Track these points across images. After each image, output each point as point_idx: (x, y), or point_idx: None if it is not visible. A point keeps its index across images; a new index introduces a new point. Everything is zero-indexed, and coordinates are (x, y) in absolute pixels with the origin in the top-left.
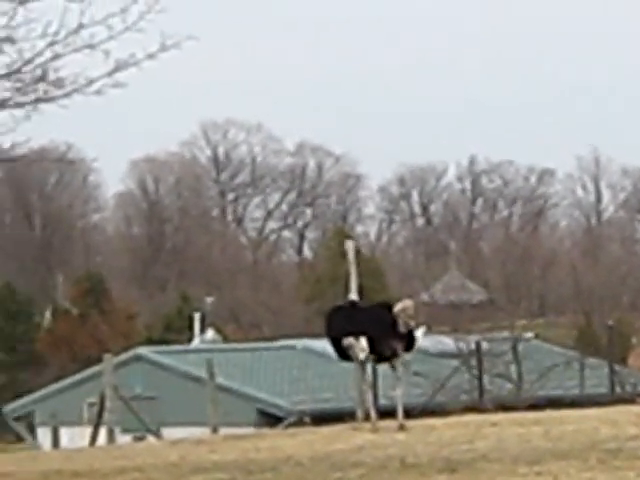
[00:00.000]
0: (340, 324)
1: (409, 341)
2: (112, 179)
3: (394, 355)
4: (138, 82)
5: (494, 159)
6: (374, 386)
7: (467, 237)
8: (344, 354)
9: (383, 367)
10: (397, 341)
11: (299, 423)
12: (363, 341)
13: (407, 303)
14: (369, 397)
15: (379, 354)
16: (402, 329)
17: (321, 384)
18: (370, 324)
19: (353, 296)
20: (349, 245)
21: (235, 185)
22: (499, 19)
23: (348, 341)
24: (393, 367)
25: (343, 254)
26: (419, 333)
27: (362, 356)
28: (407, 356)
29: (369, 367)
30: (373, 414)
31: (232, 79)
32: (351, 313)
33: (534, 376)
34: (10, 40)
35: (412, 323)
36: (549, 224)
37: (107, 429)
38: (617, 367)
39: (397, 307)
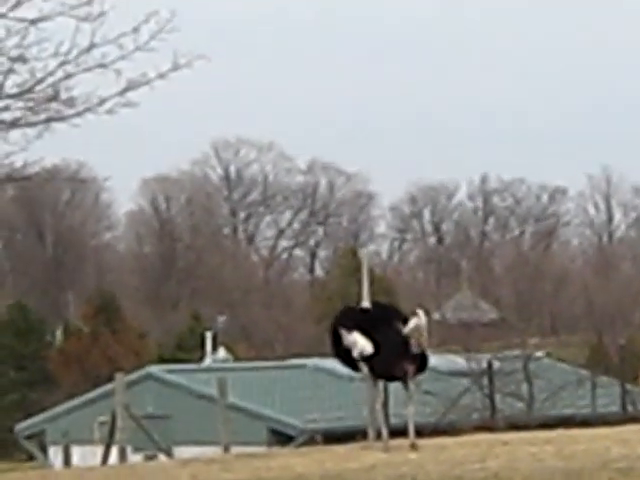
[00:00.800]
0: (346, 321)
1: (422, 362)
2: (124, 197)
3: (405, 376)
4: (150, 101)
5: (506, 178)
6: (385, 404)
7: (479, 256)
8: (349, 361)
9: (394, 385)
10: (409, 362)
11: (310, 442)
12: (362, 341)
13: (419, 322)
14: (381, 416)
15: (389, 375)
16: (415, 350)
17: (332, 403)
18: (381, 334)
19: (366, 304)
20: (363, 253)
21: (247, 204)
22: (510, 41)
23: (348, 339)
24: (405, 386)
25: (355, 272)
26: (420, 320)
27: (356, 353)
28: (419, 377)
29: (381, 385)
30: (385, 433)
31: (243, 98)
32: (362, 316)
33: (545, 395)
34: (22, 59)
35: (424, 343)
36: (561, 242)
37: (119, 448)
38: (629, 386)
39: (408, 327)
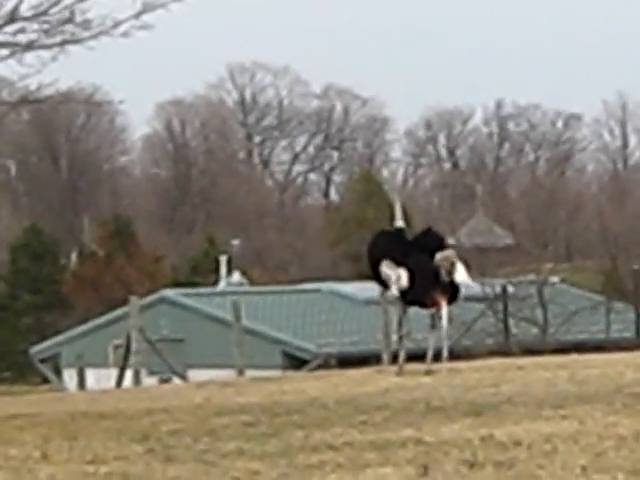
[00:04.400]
0: (383, 249)
1: (454, 292)
2: (139, 121)
3: (435, 307)
4: (166, 24)
5: (521, 103)
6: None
7: (493, 181)
8: (385, 284)
9: (413, 309)
10: (439, 292)
11: (325, 366)
12: (403, 275)
13: (449, 253)
14: (405, 343)
15: (419, 302)
16: (445, 278)
17: (347, 327)
18: (415, 259)
19: (399, 223)
20: (391, 170)
21: (262, 128)
22: None
23: (387, 270)
24: (434, 315)
25: (370, 196)
26: (462, 275)
27: (394, 291)
28: (451, 309)
29: (409, 311)
30: (401, 357)
31: (259, 22)
32: (397, 241)
33: (560, 320)
34: None
35: (454, 273)
36: (575, 169)
37: (133, 371)
38: None
39: (438, 257)
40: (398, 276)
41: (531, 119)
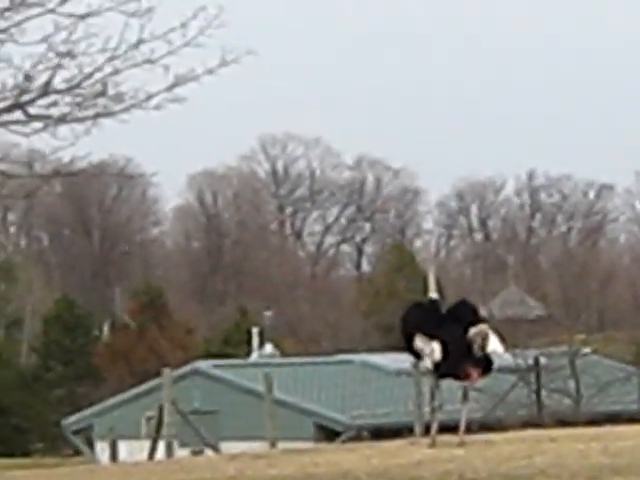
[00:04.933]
0: (416, 322)
1: (487, 364)
2: (171, 193)
3: (468, 379)
4: (198, 96)
5: (553, 174)
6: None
7: (525, 252)
8: (418, 355)
9: (446, 381)
10: (472, 365)
11: (357, 438)
12: (436, 347)
13: (482, 327)
14: (436, 413)
15: (452, 375)
16: (478, 354)
17: (379, 399)
18: (448, 332)
19: (433, 295)
20: (425, 243)
21: (293, 199)
22: (558, 35)
23: (421, 344)
24: (465, 387)
25: (402, 267)
26: (495, 344)
27: (429, 364)
28: (482, 380)
29: (441, 383)
30: (433, 428)
31: (291, 93)
32: (431, 313)
33: (593, 391)
34: (70, 55)
35: (488, 347)
36: (608, 239)
37: (166, 443)
38: None
39: (472, 332)
40: (431, 350)
41: (563, 189)
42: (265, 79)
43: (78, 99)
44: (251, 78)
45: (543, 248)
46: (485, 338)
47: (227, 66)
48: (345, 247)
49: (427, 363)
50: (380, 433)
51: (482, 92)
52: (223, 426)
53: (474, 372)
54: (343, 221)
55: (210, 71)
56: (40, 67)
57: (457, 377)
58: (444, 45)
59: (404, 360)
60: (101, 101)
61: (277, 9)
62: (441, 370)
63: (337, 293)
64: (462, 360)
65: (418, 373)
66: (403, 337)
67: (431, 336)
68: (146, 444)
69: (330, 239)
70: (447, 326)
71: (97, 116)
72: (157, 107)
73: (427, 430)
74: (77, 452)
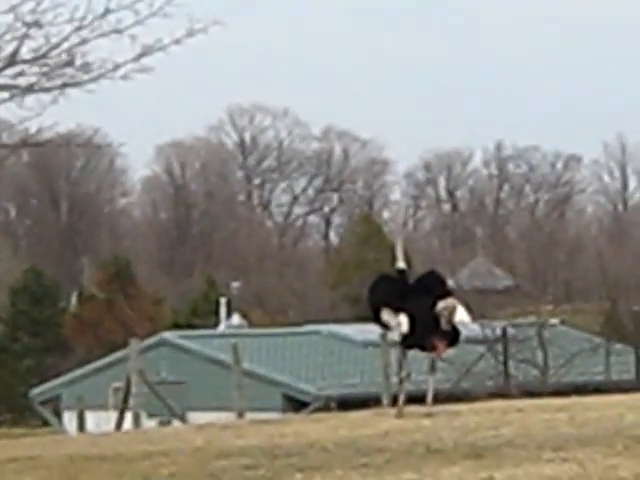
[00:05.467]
0: (383, 295)
1: (454, 336)
2: (139, 164)
3: (434, 351)
4: (166, 67)
5: (520, 145)
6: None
7: (493, 223)
8: (387, 327)
9: (412, 352)
10: (438, 337)
11: (325, 408)
12: (403, 320)
13: (450, 301)
14: (404, 384)
15: (418, 346)
16: (445, 327)
17: (347, 369)
18: (415, 304)
19: (401, 265)
20: (395, 213)
21: (261, 170)
22: (526, 12)
23: (387, 317)
24: (433, 358)
25: (368, 238)
26: (462, 314)
27: (396, 336)
28: (450, 351)
29: (408, 353)
30: (401, 399)
31: (259, 64)
32: (397, 283)
33: (560, 362)
34: (37, 25)
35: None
36: (575, 210)
37: (133, 414)
38: None
39: (440, 305)
40: (398, 323)
41: (531, 161)
42: (233, 50)
43: (45, 69)
44: (219, 49)
45: (511, 219)
46: (453, 312)
47: (194, 36)
48: (313, 218)
49: (394, 336)
50: (347, 404)
51: (450, 64)
52: (191, 397)
53: (440, 344)
54: (311, 192)
55: (177, 41)
56: (7, 37)
57: (423, 349)
58: (410, 18)
59: (372, 331)
60: (68, 71)
61: None
62: (408, 342)
63: (305, 264)
64: (429, 332)
65: (386, 344)
66: (371, 310)
67: (398, 309)
68: (114, 415)
69: (298, 210)
70: (414, 297)
71: (64, 86)
72: (124, 77)
73: (394, 401)
74: (45, 423)
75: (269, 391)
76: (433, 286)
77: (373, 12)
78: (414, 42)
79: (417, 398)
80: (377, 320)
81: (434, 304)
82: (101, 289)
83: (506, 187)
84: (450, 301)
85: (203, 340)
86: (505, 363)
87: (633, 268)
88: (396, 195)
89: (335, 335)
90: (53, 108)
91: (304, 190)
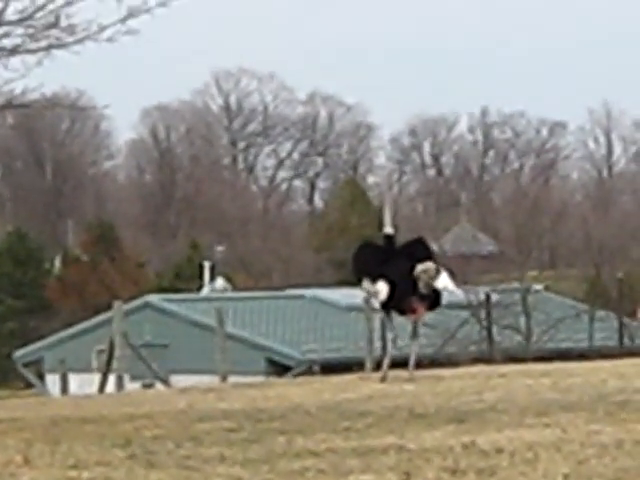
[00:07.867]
0: (364, 263)
1: (434, 300)
2: (124, 127)
3: (413, 314)
4: (150, 29)
5: (506, 110)
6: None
7: (478, 189)
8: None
9: (397, 318)
10: (416, 300)
11: (308, 372)
12: (382, 288)
13: (429, 264)
14: (389, 347)
15: (397, 310)
16: (424, 291)
17: (330, 334)
18: (397, 267)
19: (388, 229)
20: (384, 177)
21: (246, 134)
22: None
23: (367, 286)
24: (413, 323)
25: (353, 203)
26: (445, 281)
27: (376, 305)
28: (432, 315)
29: (392, 316)
30: (385, 364)
31: (245, 28)
32: (381, 250)
33: (543, 328)
34: None
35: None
36: (560, 176)
37: (116, 376)
38: (626, 320)
39: (418, 268)
40: (376, 291)
41: (516, 127)
42: (219, 13)
43: (30, 30)
44: (205, 12)
45: (495, 185)
46: (432, 276)
47: None
48: (298, 182)
49: (375, 304)
50: (331, 368)
51: (436, 29)
52: (174, 360)
53: (419, 307)
54: (296, 156)
55: (163, 3)
56: None
57: (402, 312)
58: None
59: (356, 295)
60: (54, 33)
61: None
62: (388, 306)
63: (289, 228)
64: (407, 295)
65: (369, 309)
66: (354, 276)
67: (379, 276)
68: (97, 377)
69: (283, 174)
70: (396, 262)
71: (49, 48)
72: (110, 39)
73: (378, 366)
74: (28, 385)
75: (252, 355)
76: (417, 251)
77: None
78: (400, 7)
79: (401, 363)
80: (361, 285)
81: (414, 268)
82: (85, 251)
83: (491, 153)
84: (429, 264)
85: (187, 303)
86: (489, 329)
87: (617, 235)
88: (381, 160)
89: (319, 299)
90: (38, 70)
91: (289, 154)
